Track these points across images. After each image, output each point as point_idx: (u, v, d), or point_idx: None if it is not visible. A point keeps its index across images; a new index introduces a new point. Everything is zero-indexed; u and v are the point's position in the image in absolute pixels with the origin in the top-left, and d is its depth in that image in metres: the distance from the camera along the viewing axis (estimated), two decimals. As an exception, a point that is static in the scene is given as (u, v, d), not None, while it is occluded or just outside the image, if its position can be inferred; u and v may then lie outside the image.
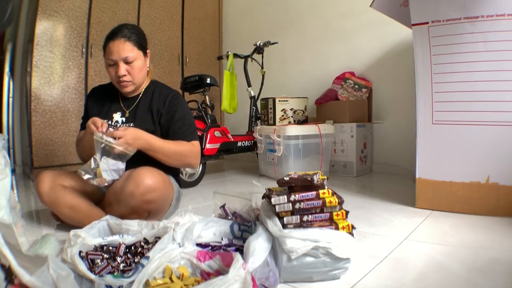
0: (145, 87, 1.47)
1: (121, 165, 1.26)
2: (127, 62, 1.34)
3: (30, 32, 2.53)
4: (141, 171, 1.21)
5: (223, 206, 1.24)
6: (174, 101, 1.43)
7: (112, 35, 1.34)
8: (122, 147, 1.20)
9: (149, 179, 1.19)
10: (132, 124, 1.39)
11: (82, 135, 1.43)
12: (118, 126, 1.39)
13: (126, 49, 1.32)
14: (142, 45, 1.39)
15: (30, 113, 2.44)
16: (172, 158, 1.34)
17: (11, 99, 2.90)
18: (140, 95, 1.45)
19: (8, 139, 2.04)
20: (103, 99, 1.48)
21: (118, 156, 1.24)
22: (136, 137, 1.24)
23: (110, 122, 1.41)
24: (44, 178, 1.28)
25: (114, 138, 1.20)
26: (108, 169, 1.22)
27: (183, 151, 1.36)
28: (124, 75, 1.34)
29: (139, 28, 1.44)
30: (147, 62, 1.44)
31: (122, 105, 1.45)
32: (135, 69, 1.36)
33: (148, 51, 1.44)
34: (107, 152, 1.22)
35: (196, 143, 1.42)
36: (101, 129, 1.22)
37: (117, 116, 1.42)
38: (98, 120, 1.25)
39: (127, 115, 1.42)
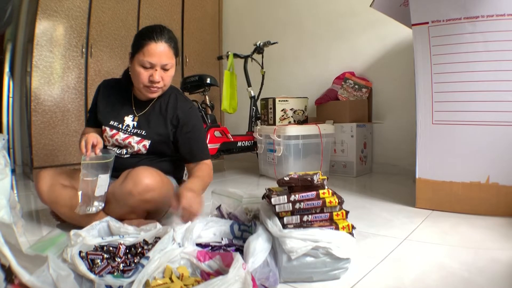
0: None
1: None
2: (164, 69, 1.26)
3: (30, 32, 2.53)
4: (140, 170, 1.19)
5: (218, 207, 1.24)
6: (191, 114, 1.37)
7: (156, 36, 1.22)
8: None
9: (147, 178, 1.17)
10: (144, 132, 1.34)
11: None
12: (129, 130, 1.35)
13: (168, 56, 1.25)
14: (177, 53, 1.32)
15: (30, 113, 2.43)
16: (206, 187, 1.32)
17: (11, 99, 2.89)
18: (154, 100, 1.38)
19: (8, 139, 2.04)
20: (114, 97, 1.41)
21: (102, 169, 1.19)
22: (200, 202, 1.13)
23: (120, 125, 1.36)
24: (43, 177, 1.27)
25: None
26: (103, 184, 1.19)
27: (208, 176, 1.33)
28: (158, 81, 1.26)
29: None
30: None
31: (134, 108, 1.38)
32: (169, 77, 1.30)
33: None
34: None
35: (209, 162, 1.39)
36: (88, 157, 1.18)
37: (128, 120, 1.37)
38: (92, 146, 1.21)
39: (137, 119, 1.36)
